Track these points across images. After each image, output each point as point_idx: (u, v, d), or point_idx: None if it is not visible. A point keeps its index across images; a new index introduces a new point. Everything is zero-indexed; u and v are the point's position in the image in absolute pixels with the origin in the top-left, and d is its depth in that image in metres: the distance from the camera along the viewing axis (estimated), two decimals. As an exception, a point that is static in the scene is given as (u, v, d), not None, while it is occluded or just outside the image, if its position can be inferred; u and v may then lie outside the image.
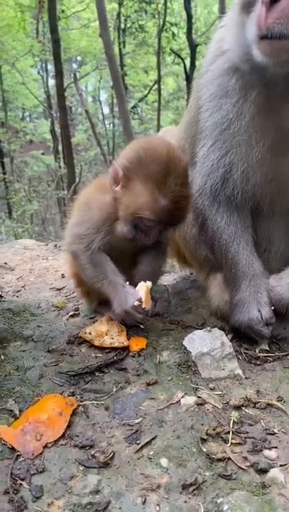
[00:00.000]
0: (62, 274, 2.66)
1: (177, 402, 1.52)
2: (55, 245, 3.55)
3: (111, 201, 1.78)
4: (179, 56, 18.33)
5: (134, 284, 1.81)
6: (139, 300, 1.74)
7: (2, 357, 1.74)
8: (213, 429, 1.38)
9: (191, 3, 16.15)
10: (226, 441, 1.36)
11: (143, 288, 1.77)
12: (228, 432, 1.38)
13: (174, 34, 17.98)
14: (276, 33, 1.37)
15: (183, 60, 17.78)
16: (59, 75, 13.38)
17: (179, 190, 1.66)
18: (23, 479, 1.23)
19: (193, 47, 15.73)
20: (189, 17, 15.40)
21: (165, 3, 16.93)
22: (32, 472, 1.25)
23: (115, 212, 1.77)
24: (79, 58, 24.18)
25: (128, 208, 1.71)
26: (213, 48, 1.82)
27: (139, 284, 1.79)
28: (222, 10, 10.16)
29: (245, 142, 1.73)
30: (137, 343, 1.81)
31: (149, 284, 1.78)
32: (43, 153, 20.46)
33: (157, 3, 17.56)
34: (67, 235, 1.87)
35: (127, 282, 1.80)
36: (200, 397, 1.53)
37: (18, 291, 2.46)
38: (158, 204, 1.65)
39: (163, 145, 1.73)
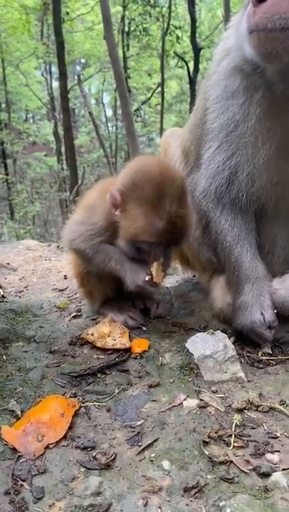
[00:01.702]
0: (65, 275, 2.66)
1: (179, 404, 1.51)
2: (58, 246, 3.54)
3: None
4: (183, 59, 18.37)
5: None
6: (150, 274, 1.72)
7: (4, 357, 1.74)
8: (216, 432, 1.38)
9: (195, 7, 16.21)
10: (228, 444, 1.35)
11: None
12: (231, 435, 1.38)
13: (177, 37, 17.99)
14: (263, 25, 1.37)
15: (186, 63, 17.80)
16: (63, 77, 13.44)
17: (174, 210, 1.63)
18: (24, 480, 1.22)
19: (197, 50, 15.79)
20: (193, 20, 15.45)
21: (169, 7, 17.00)
22: (33, 473, 1.24)
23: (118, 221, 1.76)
24: (83, 60, 24.22)
25: (127, 231, 1.70)
26: (221, 48, 1.81)
27: None
28: (226, 14, 10.17)
29: (251, 144, 1.73)
30: (139, 345, 1.81)
31: (160, 260, 1.74)
32: (45, 155, 20.50)
33: (161, 7, 17.64)
34: (68, 228, 1.87)
35: None
36: (202, 400, 1.53)
37: (21, 291, 2.45)
38: (154, 226, 1.63)
39: (156, 166, 1.70)
